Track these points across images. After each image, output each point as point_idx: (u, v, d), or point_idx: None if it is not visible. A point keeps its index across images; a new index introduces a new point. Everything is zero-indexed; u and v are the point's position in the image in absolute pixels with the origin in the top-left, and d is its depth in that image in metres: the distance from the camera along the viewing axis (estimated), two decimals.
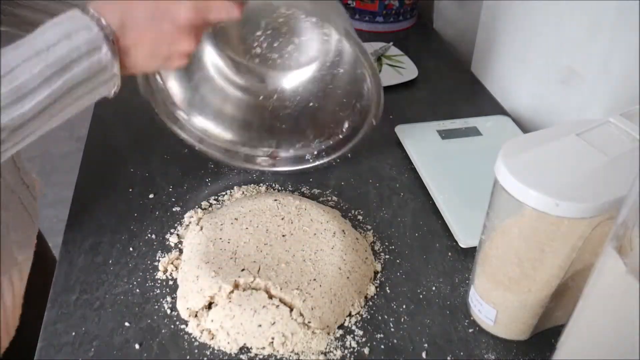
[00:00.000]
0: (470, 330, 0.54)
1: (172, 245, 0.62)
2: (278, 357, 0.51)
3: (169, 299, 0.56)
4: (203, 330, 0.53)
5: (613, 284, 0.36)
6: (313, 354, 0.51)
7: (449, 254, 0.62)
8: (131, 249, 0.62)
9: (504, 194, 0.44)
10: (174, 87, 0.69)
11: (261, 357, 0.51)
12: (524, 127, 0.82)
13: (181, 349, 0.52)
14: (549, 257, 0.46)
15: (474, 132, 0.78)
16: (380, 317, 0.55)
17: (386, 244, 0.63)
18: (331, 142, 0.72)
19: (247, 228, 0.60)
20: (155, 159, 0.74)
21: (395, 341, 0.53)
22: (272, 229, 0.60)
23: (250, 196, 0.67)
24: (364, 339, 0.53)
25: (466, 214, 0.64)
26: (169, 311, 0.55)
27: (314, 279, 0.55)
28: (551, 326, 0.54)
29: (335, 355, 0.51)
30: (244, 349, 0.52)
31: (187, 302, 0.54)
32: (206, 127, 0.72)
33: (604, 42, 0.66)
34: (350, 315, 0.55)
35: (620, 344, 0.37)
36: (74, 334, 0.53)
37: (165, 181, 0.71)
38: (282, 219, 0.61)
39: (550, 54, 0.76)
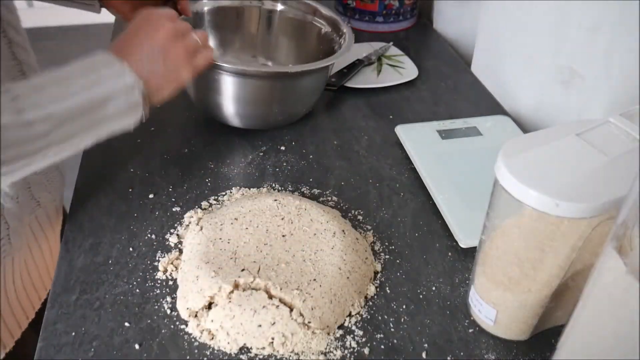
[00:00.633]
0: (470, 330, 0.54)
1: (172, 245, 0.62)
2: (278, 357, 0.51)
3: (168, 299, 0.56)
4: (203, 330, 0.53)
5: (613, 284, 0.36)
6: (313, 354, 0.51)
7: (449, 254, 0.62)
8: (131, 249, 0.62)
9: (504, 194, 0.44)
10: None
11: (261, 357, 0.51)
12: (524, 127, 0.82)
13: (181, 349, 0.52)
14: (549, 257, 0.46)
15: (474, 132, 0.78)
16: (380, 317, 0.55)
17: (386, 244, 0.63)
18: None
19: (247, 228, 0.60)
20: (155, 159, 0.74)
21: (395, 341, 0.53)
22: (272, 229, 0.60)
23: (250, 196, 0.67)
24: (364, 339, 0.53)
25: (466, 214, 0.64)
26: (168, 311, 0.55)
27: (314, 279, 0.55)
28: (551, 326, 0.54)
29: (335, 355, 0.51)
30: (244, 349, 0.52)
31: (187, 302, 0.54)
32: None
33: (604, 42, 0.66)
34: (350, 315, 0.55)
35: (620, 344, 0.37)
36: (74, 334, 0.53)
37: (165, 181, 0.71)
38: (282, 219, 0.61)
39: (550, 54, 0.76)
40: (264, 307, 0.52)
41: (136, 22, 0.58)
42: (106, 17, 0.85)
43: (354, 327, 0.54)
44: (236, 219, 0.61)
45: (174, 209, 0.67)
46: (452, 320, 0.55)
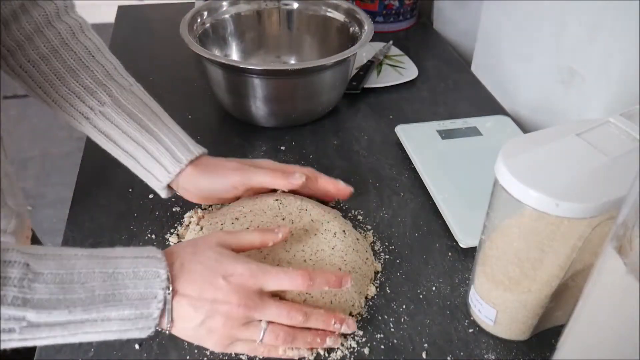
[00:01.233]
0: (470, 330, 0.54)
1: (172, 245, 0.62)
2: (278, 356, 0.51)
3: None
4: None
5: (613, 284, 0.36)
6: (313, 353, 0.51)
7: (449, 254, 0.62)
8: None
9: (504, 194, 0.44)
10: None
11: (261, 357, 0.51)
12: (524, 127, 0.82)
13: (181, 349, 0.52)
14: (549, 257, 0.46)
15: (474, 132, 0.78)
16: (380, 317, 0.55)
17: (386, 244, 0.63)
18: None
19: (247, 228, 0.60)
20: None
21: (395, 341, 0.53)
22: None
23: (251, 196, 0.66)
24: (364, 339, 0.53)
25: (466, 214, 0.64)
26: None
27: None
28: (551, 326, 0.54)
29: (335, 355, 0.51)
30: None
31: None
32: None
33: (604, 42, 0.66)
34: (350, 315, 0.55)
35: (620, 344, 0.37)
36: None
37: None
38: (283, 219, 0.60)
39: (550, 54, 0.76)
40: None
41: (206, 259, 0.48)
42: (106, 17, 0.85)
43: None
44: (237, 218, 0.61)
45: (174, 209, 0.67)
46: (452, 320, 0.55)
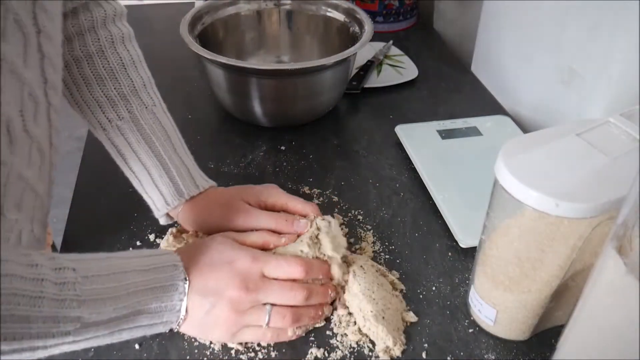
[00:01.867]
0: (470, 330, 0.54)
1: None
2: (278, 356, 0.51)
3: None
4: None
5: (613, 284, 0.36)
6: (312, 353, 0.51)
7: (449, 254, 0.62)
8: (131, 249, 0.61)
9: (504, 194, 0.44)
10: None
11: (261, 357, 0.51)
12: (524, 127, 0.82)
13: (181, 349, 0.52)
14: (549, 257, 0.46)
15: (474, 132, 0.78)
16: None
17: (386, 244, 0.63)
18: None
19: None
20: None
21: None
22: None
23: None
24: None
25: (466, 214, 0.64)
26: None
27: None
28: (551, 326, 0.54)
29: (335, 355, 0.51)
30: (244, 349, 0.52)
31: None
32: None
33: (604, 42, 0.66)
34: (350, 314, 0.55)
35: (620, 344, 0.37)
36: None
37: None
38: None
39: (550, 54, 0.76)
40: None
41: (220, 254, 0.51)
42: None
43: None
44: None
45: None
46: (452, 320, 0.55)
